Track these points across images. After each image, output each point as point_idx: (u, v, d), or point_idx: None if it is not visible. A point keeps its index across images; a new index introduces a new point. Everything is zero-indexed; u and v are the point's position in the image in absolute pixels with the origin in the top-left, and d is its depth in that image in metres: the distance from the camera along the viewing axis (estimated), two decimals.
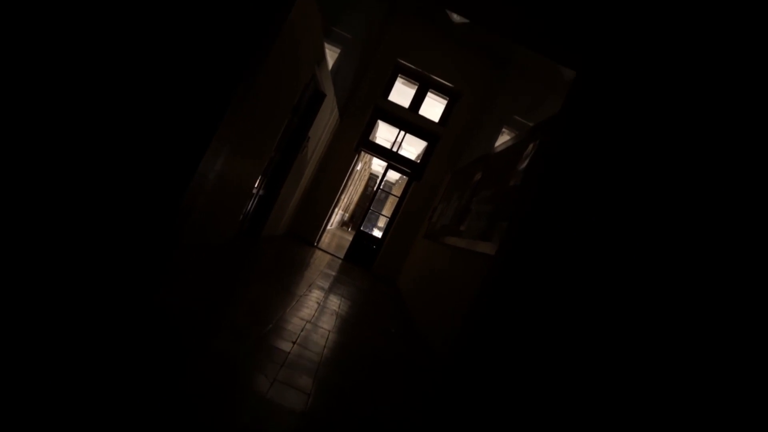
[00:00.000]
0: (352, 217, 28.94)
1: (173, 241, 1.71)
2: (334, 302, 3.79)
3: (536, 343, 1.66)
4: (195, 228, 2.80)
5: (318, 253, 6.88)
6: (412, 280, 5.89)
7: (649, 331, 1.47)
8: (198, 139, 1.53)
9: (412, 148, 12.02)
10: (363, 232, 7.74)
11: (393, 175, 20.50)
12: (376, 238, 7.79)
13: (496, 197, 3.62)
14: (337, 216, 18.01)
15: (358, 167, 17.76)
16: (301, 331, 2.56)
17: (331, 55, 5.16)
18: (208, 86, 1.54)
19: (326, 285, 4.43)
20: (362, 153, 7.80)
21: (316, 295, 3.75)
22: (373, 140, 8.73)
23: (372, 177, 30.75)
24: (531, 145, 3.36)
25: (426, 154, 7.62)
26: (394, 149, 7.59)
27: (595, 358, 1.55)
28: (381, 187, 7.75)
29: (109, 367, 1.36)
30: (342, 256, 7.58)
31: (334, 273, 5.49)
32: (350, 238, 11.56)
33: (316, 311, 3.20)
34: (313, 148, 5.94)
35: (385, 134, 11.42)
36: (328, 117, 5.99)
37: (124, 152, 1.50)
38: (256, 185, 4.58)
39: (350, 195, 22.02)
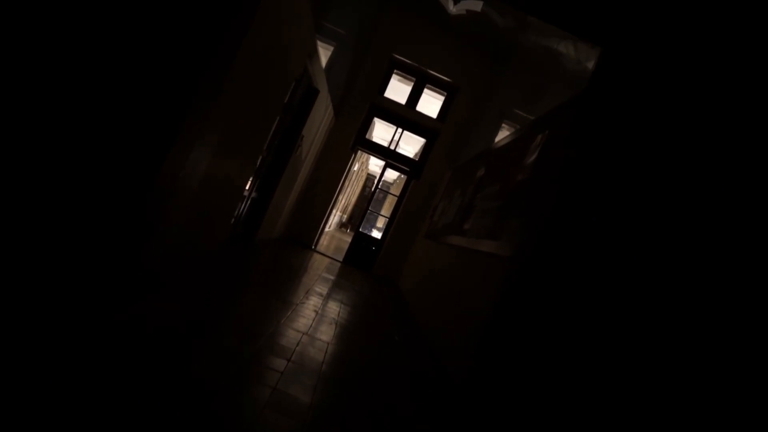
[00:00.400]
0: (351, 218, 28.72)
1: (138, 249, 1.48)
2: (333, 309, 3.57)
3: (572, 369, 1.43)
4: (177, 234, 2.57)
5: (316, 256, 6.65)
6: (414, 281, 5.67)
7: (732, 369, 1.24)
8: (159, 133, 1.30)
9: (410, 146, 11.82)
10: (362, 233, 7.52)
11: (391, 175, 20.27)
12: (375, 239, 7.57)
13: (502, 193, 3.40)
14: (335, 217, 17.79)
15: (355, 167, 17.54)
16: (297, 345, 2.34)
17: (324, 52, 4.95)
18: (166, 71, 1.32)
19: (324, 290, 4.20)
20: (359, 152, 7.57)
21: (313, 302, 3.52)
22: (370, 139, 8.53)
23: (369, 177, 30.54)
24: (539, 137, 3.14)
25: (425, 151, 7.40)
26: (392, 147, 7.38)
27: (655, 386, 1.32)
28: (379, 186, 7.54)
29: (58, 404, 1.13)
30: (341, 259, 7.35)
31: (332, 277, 5.26)
32: (349, 240, 11.33)
33: (313, 321, 2.97)
34: (307, 148, 5.71)
35: (382, 132, 11.20)
36: (322, 115, 5.77)
37: (68, 149, 1.27)
38: (248, 187, 4.35)
39: (348, 196, 21.79)
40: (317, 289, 4.10)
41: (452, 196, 5.51)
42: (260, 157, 4.26)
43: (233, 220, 4.22)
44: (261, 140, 3.69)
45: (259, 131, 3.53)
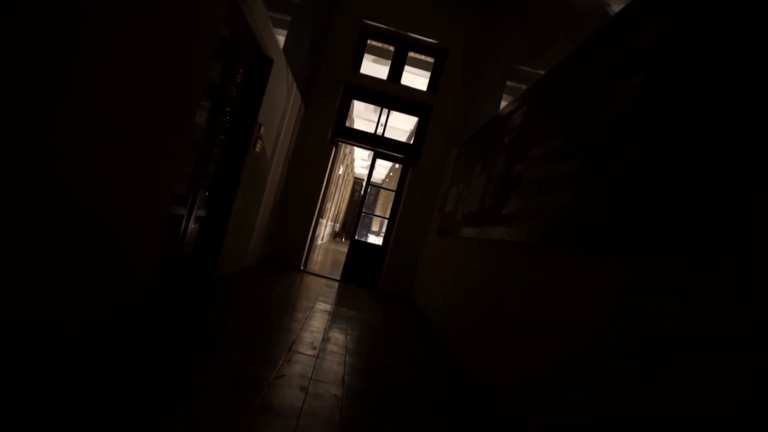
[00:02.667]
0: (344, 226, 27.39)
1: None
2: (334, 365, 2.26)
3: None
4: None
5: (307, 279, 5.32)
6: (435, 294, 4.37)
7: None
8: None
9: (400, 129, 10.43)
10: (359, 241, 6.21)
11: (382, 169, 18.94)
12: (376, 246, 6.27)
13: (573, 148, 2.12)
14: (326, 228, 16.42)
15: (340, 171, 16.22)
16: None
17: (280, 30, 3.68)
18: None
19: (320, 331, 2.89)
20: (340, 145, 6.27)
21: (301, 367, 2.20)
22: (351, 127, 7.22)
23: (357, 181, 29.24)
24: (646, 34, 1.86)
25: (419, 131, 6.12)
26: (379, 133, 6.08)
27: None
28: (370, 182, 6.23)
29: None
30: (338, 277, 6.03)
31: (329, 306, 3.94)
32: (345, 251, 10.00)
33: (302, 402, 1.66)
34: (272, 144, 4.40)
35: (364, 117, 9.82)
36: (286, 99, 4.46)
37: None
38: (190, 203, 3.02)
39: (337, 203, 20.45)
40: (307, 336, 2.78)
41: (469, 176, 4.23)
42: (196, 157, 2.94)
43: (160, 255, 2.88)
44: (184, 124, 2.36)
45: (177, 110, 2.21)
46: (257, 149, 3.82)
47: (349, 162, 19.58)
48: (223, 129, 3.34)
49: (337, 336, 2.95)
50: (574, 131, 2.18)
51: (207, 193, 3.49)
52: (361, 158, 20.76)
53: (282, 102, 4.32)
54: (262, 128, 3.79)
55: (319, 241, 14.34)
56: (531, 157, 2.66)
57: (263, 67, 3.58)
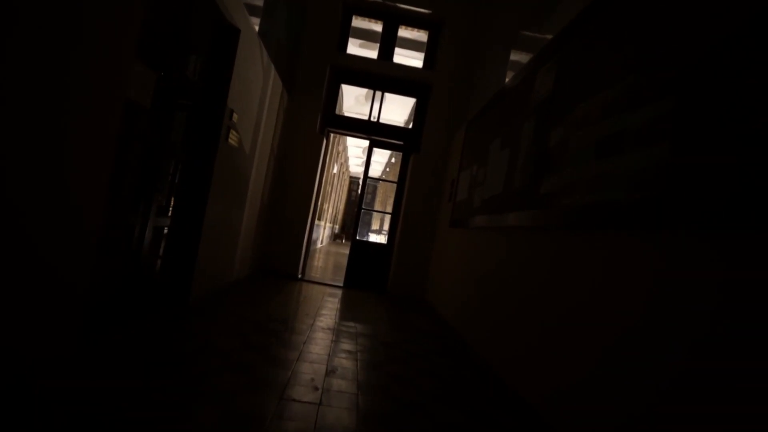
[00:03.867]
0: (343, 227, 26.79)
1: None
2: (343, 416, 1.63)
3: None
4: None
5: (306, 289, 4.69)
6: (457, 295, 3.74)
7: None
8: None
9: (396, 112, 9.73)
10: (361, 241, 5.58)
11: (378, 166, 18.31)
12: (380, 245, 5.64)
13: (659, 87, 1.48)
14: (325, 230, 15.79)
15: (335, 170, 15.56)
16: None
17: (252, 11, 3.07)
18: None
19: (322, 359, 2.27)
20: (332, 136, 5.62)
21: (299, 412, 1.57)
22: (342, 114, 6.57)
23: (353, 180, 28.59)
24: None
25: (418, 113, 5.48)
26: (373, 119, 5.44)
27: None
28: (368, 173, 5.57)
29: None
30: (341, 283, 5.40)
31: (333, 322, 3.31)
32: (347, 252, 9.38)
33: None
34: (252, 136, 3.76)
35: (355, 111, 9.17)
36: (263, 84, 3.82)
37: None
38: (143, 211, 2.38)
39: (335, 204, 19.81)
40: (305, 371, 2.15)
41: (484, 155, 3.60)
42: (143, 151, 2.30)
43: (109, 276, 2.26)
44: (112, 106, 1.72)
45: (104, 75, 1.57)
46: (232, 142, 3.19)
47: (343, 160, 18.92)
48: (179, 116, 2.71)
49: (345, 364, 2.32)
50: (659, 62, 1.54)
51: (173, 200, 2.85)
52: (355, 156, 20.11)
53: (257, 85, 3.68)
54: (235, 115, 3.15)
55: (319, 245, 13.70)
56: (578, 116, 2.03)
57: (228, 39, 2.94)
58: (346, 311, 3.84)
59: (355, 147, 18.18)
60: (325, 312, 3.60)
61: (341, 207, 25.71)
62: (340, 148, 15.64)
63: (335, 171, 15.61)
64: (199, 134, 2.90)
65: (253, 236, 4.45)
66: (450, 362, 2.68)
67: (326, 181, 13.13)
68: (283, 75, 4.57)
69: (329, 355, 2.42)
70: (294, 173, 5.15)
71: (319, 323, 3.16)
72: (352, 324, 3.33)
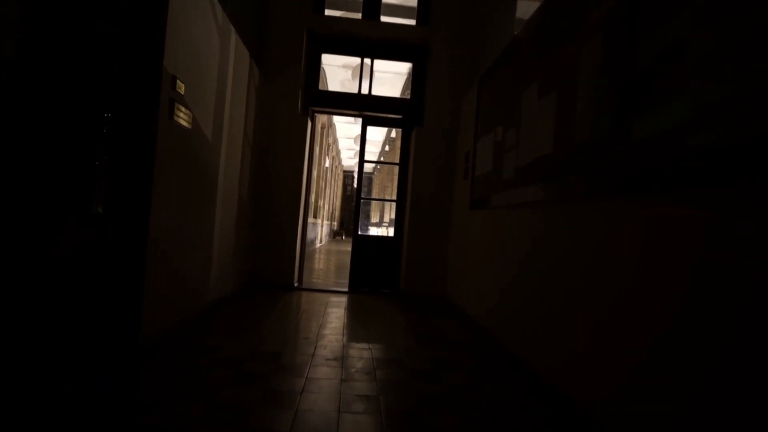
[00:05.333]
0: (342, 223, 26.03)
1: None
2: None
3: None
4: None
5: (304, 300, 3.90)
6: (489, 290, 2.95)
7: None
8: None
9: (389, 80, 8.65)
10: (364, 236, 4.79)
11: (372, 156, 17.49)
12: (387, 239, 4.84)
13: None
14: (323, 228, 14.98)
15: (327, 164, 14.70)
16: None
17: None
18: None
19: (328, 417, 1.49)
20: (317, 117, 4.81)
21: None
22: (326, 89, 5.65)
23: (347, 175, 27.75)
24: None
25: (416, 80, 4.66)
26: (364, 91, 4.62)
27: None
28: (364, 156, 4.73)
29: None
30: (346, 288, 4.62)
31: (339, 346, 2.52)
32: (349, 249, 8.59)
33: None
34: (214, 118, 2.94)
35: (341, 88, 8.12)
36: (220, 52, 2.99)
37: None
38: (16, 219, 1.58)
39: (331, 200, 18.99)
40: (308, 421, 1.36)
41: (513, 112, 2.79)
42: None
43: None
44: None
45: None
46: (181, 121, 2.37)
47: (335, 153, 18.04)
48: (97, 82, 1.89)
49: (362, 421, 1.54)
50: None
51: (103, 204, 2.05)
52: (347, 148, 19.24)
53: (212, 49, 2.86)
54: (181, 85, 2.33)
55: (317, 244, 12.89)
56: (699, 7, 1.22)
57: None
58: (356, 325, 3.06)
59: (346, 138, 17.31)
60: (328, 332, 2.81)
61: (338, 203, 24.90)
62: (330, 141, 14.78)
63: (327, 165, 14.76)
64: (130, 109, 2.08)
65: (233, 243, 3.65)
66: (509, 393, 1.90)
67: (319, 176, 12.30)
68: (251, 45, 3.74)
69: (339, 410, 1.63)
70: (277, 163, 4.33)
71: (323, 351, 2.37)
72: (365, 346, 2.54)
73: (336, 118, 13.81)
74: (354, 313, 3.47)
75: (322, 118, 11.71)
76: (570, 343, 1.84)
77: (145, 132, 2.10)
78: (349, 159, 21.96)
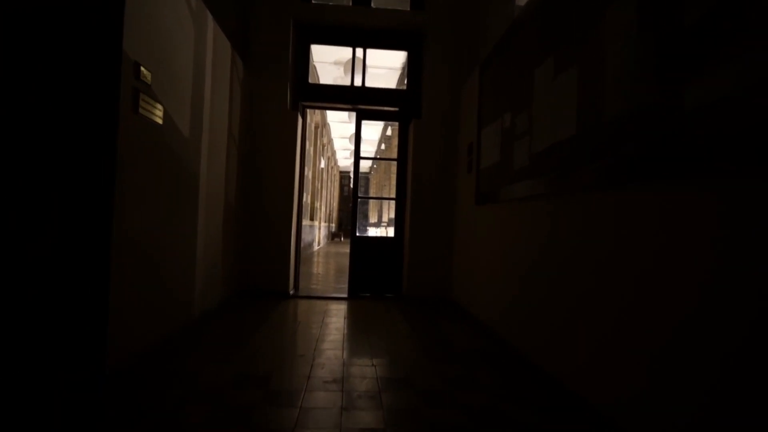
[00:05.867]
0: (340, 225, 25.76)
1: None
2: None
3: None
4: None
5: (300, 310, 3.61)
6: (502, 291, 2.68)
7: None
8: None
9: (383, 71, 8.36)
10: (362, 238, 4.50)
11: (370, 134, 17.15)
12: (387, 240, 4.56)
13: None
14: (321, 230, 14.68)
15: (322, 165, 14.40)
16: None
17: None
18: None
19: None
20: (308, 112, 4.54)
21: None
22: (317, 83, 5.36)
23: (344, 175, 27.45)
24: None
25: (412, 69, 4.38)
26: (356, 83, 4.33)
27: None
28: (359, 153, 4.43)
29: None
30: (345, 293, 4.33)
31: (339, 363, 2.24)
32: (347, 251, 8.29)
33: None
34: (191, 112, 2.65)
35: (333, 71, 7.78)
36: (196, 40, 2.70)
37: None
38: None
39: (328, 202, 18.69)
40: None
41: (523, 91, 2.50)
42: None
43: None
44: None
45: None
46: (150, 115, 2.08)
47: (330, 154, 17.74)
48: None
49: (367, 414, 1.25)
50: None
51: (58, 211, 1.76)
52: (342, 148, 18.94)
53: (185, 36, 2.57)
54: (146, 72, 2.04)
55: (315, 247, 12.60)
56: None
57: None
58: (357, 337, 2.77)
59: (341, 138, 17.00)
60: (327, 346, 2.53)
61: (335, 204, 24.60)
62: (325, 141, 14.48)
63: (323, 165, 14.46)
64: (87, 100, 1.79)
65: (220, 250, 3.36)
66: (538, 417, 1.62)
67: (314, 176, 12.00)
68: (233, 35, 3.45)
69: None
70: (268, 163, 4.04)
71: (320, 371, 2.08)
72: (368, 362, 2.26)
73: (330, 118, 13.50)
74: (355, 323, 3.18)
75: (315, 118, 11.41)
76: (618, 359, 1.55)
77: (106, 127, 1.81)
78: (345, 159, 21.64)
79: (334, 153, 19.43)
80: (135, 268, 2.03)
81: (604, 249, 1.64)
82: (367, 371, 2.10)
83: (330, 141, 16.62)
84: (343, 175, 27.66)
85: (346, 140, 16.96)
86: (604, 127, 1.65)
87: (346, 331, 2.90)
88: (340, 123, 14.31)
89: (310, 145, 10.63)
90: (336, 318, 3.30)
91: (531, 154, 2.36)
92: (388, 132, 13.44)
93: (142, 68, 2.00)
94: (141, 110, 2.01)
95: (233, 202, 3.65)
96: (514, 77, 2.67)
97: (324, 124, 13.24)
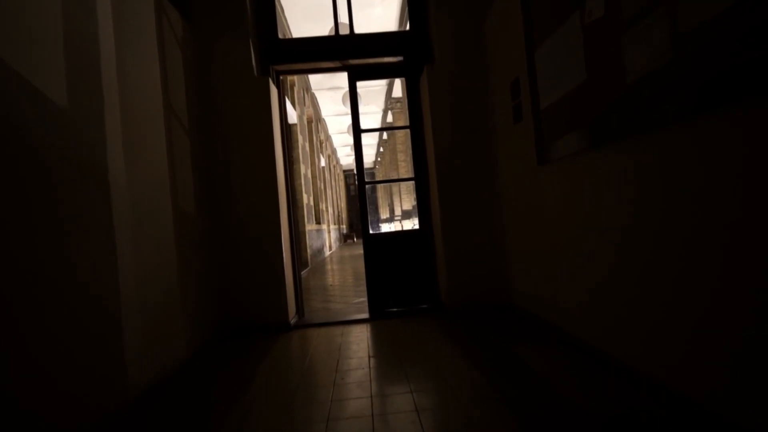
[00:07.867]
0: (351, 225, 24.74)
1: None
2: None
3: None
4: None
5: (305, 349, 2.55)
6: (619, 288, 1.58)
7: None
8: None
9: (375, 12, 6.14)
10: (377, 236, 3.40)
11: (368, 123, 16.05)
12: (411, 234, 3.46)
13: None
14: (331, 234, 13.62)
15: (323, 163, 13.31)
16: None
17: None
18: None
19: None
20: (282, 80, 3.48)
21: None
22: (288, 36, 3.94)
23: (348, 174, 26.41)
24: None
25: (414, 5, 3.26)
26: (342, 30, 3.24)
27: None
28: (359, 125, 3.29)
29: None
30: (367, 313, 3.26)
31: None
32: (362, 252, 7.20)
33: None
34: (76, 76, 1.58)
35: (305, 18, 5.83)
36: None
37: None
38: None
39: (335, 203, 17.63)
40: None
41: None
42: None
43: None
44: None
45: None
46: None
47: (330, 152, 16.64)
48: None
49: None
50: None
51: None
52: (343, 145, 17.83)
53: None
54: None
55: (327, 253, 11.52)
56: None
57: None
58: (394, 401, 1.69)
59: (339, 134, 15.87)
60: (343, 427, 1.45)
61: (343, 205, 23.57)
62: (323, 137, 13.39)
63: (323, 164, 13.37)
64: None
65: (176, 279, 2.29)
66: None
67: (315, 176, 10.92)
68: None
69: None
70: (237, 153, 2.97)
71: None
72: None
73: (324, 111, 12.39)
74: (383, 363, 2.10)
75: (308, 111, 10.29)
76: None
77: None
78: (347, 157, 20.54)
79: (334, 151, 18.36)
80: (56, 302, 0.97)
81: None
82: None
83: (328, 138, 15.56)
84: (348, 174, 26.60)
85: (345, 135, 15.83)
86: None
87: (372, 386, 1.82)
88: (335, 116, 13.21)
89: (305, 141, 9.57)
90: (356, 359, 2.22)
91: (676, 35, 1.24)
92: (389, 118, 12.30)
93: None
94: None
95: (192, 211, 2.59)
96: None
97: (319, 119, 12.15)
